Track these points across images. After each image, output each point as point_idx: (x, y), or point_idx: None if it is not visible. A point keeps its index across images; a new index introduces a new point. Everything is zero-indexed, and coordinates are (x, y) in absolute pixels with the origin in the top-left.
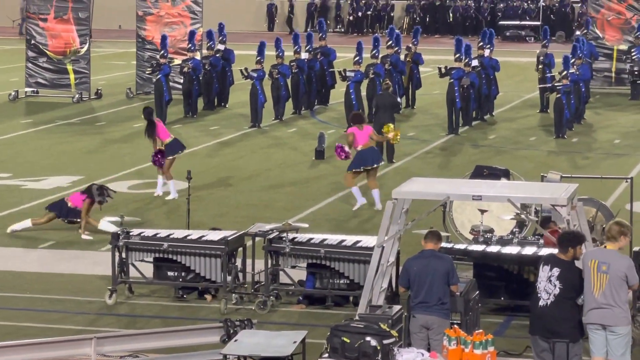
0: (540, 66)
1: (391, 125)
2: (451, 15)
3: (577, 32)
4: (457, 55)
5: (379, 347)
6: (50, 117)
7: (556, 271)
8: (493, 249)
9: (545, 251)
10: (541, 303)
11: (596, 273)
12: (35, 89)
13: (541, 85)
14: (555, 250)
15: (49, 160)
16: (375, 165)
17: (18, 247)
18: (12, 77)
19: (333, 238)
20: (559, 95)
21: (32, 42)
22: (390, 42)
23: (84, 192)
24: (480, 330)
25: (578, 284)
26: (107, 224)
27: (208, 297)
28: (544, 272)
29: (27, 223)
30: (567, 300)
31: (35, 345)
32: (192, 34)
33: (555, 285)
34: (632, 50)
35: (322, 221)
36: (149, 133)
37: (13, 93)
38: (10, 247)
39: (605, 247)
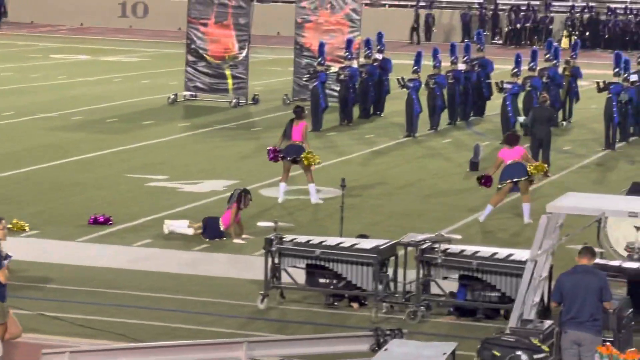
0: None
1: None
2: (611, 29)
3: None
4: (616, 70)
5: None
6: (207, 121)
7: None
8: None
9: None
10: None
11: None
12: (194, 93)
13: None
14: None
15: (205, 163)
16: (523, 179)
17: (173, 249)
18: (171, 81)
19: (485, 250)
20: None
21: (192, 46)
22: (549, 55)
23: (229, 202)
24: (634, 349)
25: None
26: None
27: (355, 305)
28: None
29: (183, 225)
30: None
31: (188, 347)
32: (349, 42)
33: None
34: None
35: (475, 233)
36: (286, 128)
37: (172, 96)
38: (165, 248)
39: None
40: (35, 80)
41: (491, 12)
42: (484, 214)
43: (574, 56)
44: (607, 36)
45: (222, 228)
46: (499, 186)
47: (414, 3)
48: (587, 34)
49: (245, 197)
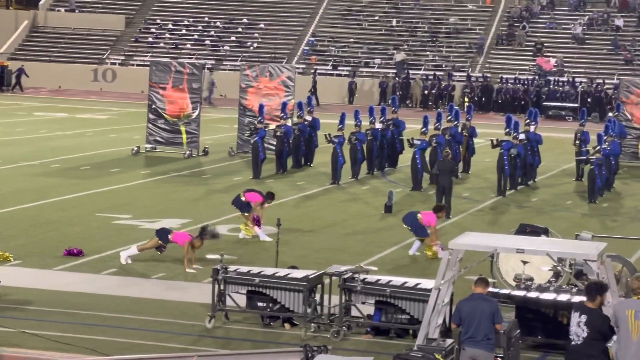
0: (577, 141)
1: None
2: (502, 95)
3: (610, 114)
4: (507, 130)
5: None
6: (165, 169)
7: (584, 318)
8: (533, 294)
9: (577, 299)
10: (572, 344)
11: (634, 321)
12: (154, 146)
13: (577, 158)
14: (584, 299)
15: (163, 205)
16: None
17: (135, 277)
18: (135, 135)
19: (397, 280)
20: (592, 167)
21: (153, 106)
22: (450, 117)
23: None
24: None
25: (605, 329)
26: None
27: (287, 325)
28: (574, 318)
29: (133, 249)
30: (594, 342)
31: None
32: (284, 104)
33: (583, 330)
34: None
35: (388, 265)
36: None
37: (135, 148)
38: (128, 276)
39: (638, 299)
40: (19, 133)
41: (403, 80)
42: (413, 249)
43: (469, 118)
44: (499, 101)
45: (171, 238)
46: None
47: (339, 72)
48: (483, 99)
49: (206, 234)
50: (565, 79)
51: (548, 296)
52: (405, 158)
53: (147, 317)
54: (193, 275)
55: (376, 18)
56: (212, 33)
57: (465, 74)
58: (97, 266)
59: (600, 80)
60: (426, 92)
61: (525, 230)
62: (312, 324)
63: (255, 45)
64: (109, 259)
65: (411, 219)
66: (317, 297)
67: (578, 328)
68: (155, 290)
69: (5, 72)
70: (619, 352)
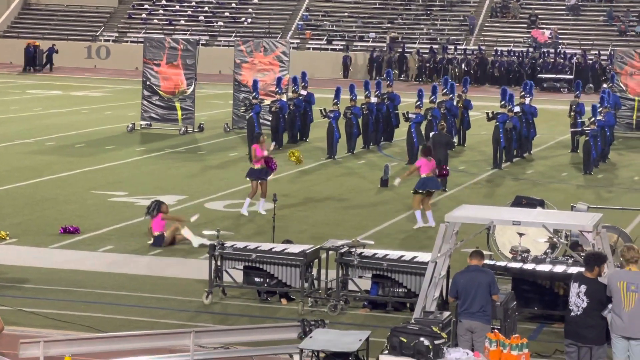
0: (572, 113)
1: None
2: (497, 68)
3: (604, 85)
4: (502, 102)
5: (431, 347)
6: (160, 146)
7: (583, 288)
8: (529, 266)
9: (573, 270)
10: (572, 314)
11: (626, 292)
12: (149, 122)
13: (572, 129)
14: (582, 269)
15: (159, 182)
16: (434, 190)
17: (132, 254)
18: (130, 112)
19: (394, 253)
20: (587, 138)
21: (148, 83)
22: (445, 90)
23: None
24: (517, 335)
25: (603, 298)
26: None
27: (283, 300)
28: (573, 288)
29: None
30: (594, 312)
31: (144, 336)
32: (279, 79)
33: (583, 300)
34: None
35: (385, 239)
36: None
37: (130, 125)
38: (125, 253)
39: (630, 269)
40: (14, 112)
41: (398, 55)
42: (419, 221)
43: (465, 91)
44: (494, 74)
45: (155, 234)
46: (418, 191)
47: (334, 47)
48: (477, 72)
49: (161, 205)
50: (559, 50)
51: (544, 268)
52: (401, 132)
53: (144, 294)
54: (190, 251)
55: None
56: (206, 9)
57: (460, 47)
58: (93, 244)
59: (595, 52)
60: (420, 64)
61: (521, 202)
62: (309, 299)
63: (249, 20)
64: (105, 236)
65: (421, 183)
66: (314, 271)
67: (578, 298)
68: (152, 267)
69: (37, 51)
70: (613, 322)
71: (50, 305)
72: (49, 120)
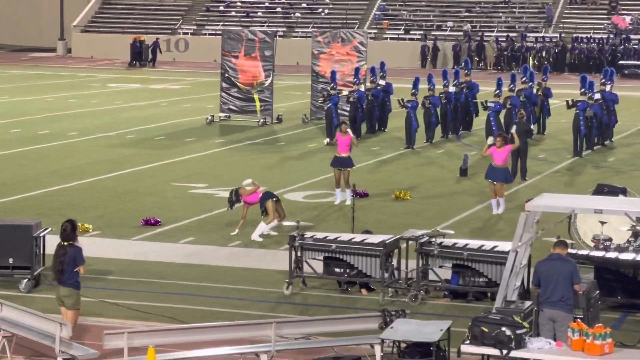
0: None
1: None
2: (577, 55)
3: None
4: (582, 90)
5: (512, 336)
6: (239, 138)
7: None
8: (612, 255)
9: None
10: None
11: None
12: (228, 114)
13: None
14: None
15: (238, 173)
16: (495, 182)
17: (213, 246)
18: (209, 104)
19: (474, 243)
20: None
21: (226, 75)
22: (525, 78)
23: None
24: (600, 324)
25: None
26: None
27: (364, 291)
28: None
29: (262, 226)
30: None
31: (225, 327)
32: (357, 69)
33: None
34: None
35: (465, 228)
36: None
37: (209, 117)
38: (206, 244)
39: None
40: (95, 105)
41: (476, 43)
42: (501, 208)
43: (545, 79)
44: (573, 61)
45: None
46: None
47: (412, 36)
48: (557, 60)
49: (238, 191)
50: None
51: (627, 256)
52: (480, 121)
53: (225, 285)
54: (271, 242)
55: None
56: (283, 0)
57: (538, 34)
58: (174, 235)
59: None
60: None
61: (602, 190)
62: (390, 289)
63: (326, 11)
64: (186, 228)
65: (491, 173)
66: (394, 261)
67: None
68: (233, 258)
69: (142, 46)
70: None
71: (132, 296)
72: (129, 113)
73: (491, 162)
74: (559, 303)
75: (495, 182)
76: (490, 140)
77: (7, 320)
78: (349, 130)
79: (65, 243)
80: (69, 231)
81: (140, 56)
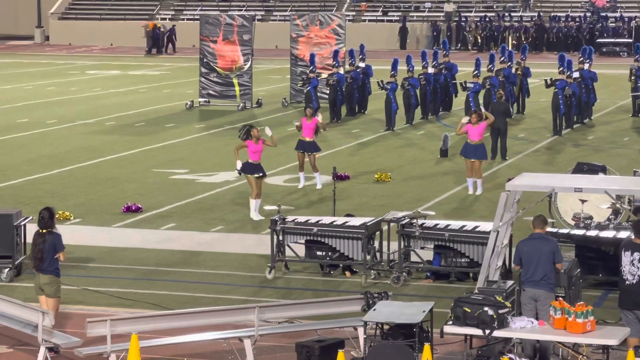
0: (632, 77)
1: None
2: (555, 34)
3: None
4: (561, 69)
5: (495, 316)
6: (219, 123)
7: (637, 255)
8: (592, 233)
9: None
10: (627, 283)
11: None
12: (207, 99)
13: (633, 94)
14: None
15: (219, 158)
16: (473, 159)
17: (194, 231)
18: (188, 90)
19: (456, 224)
20: None
21: (205, 60)
22: (503, 58)
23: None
24: (582, 302)
25: None
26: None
27: (347, 273)
28: (626, 257)
29: (252, 204)
30: None
31: (209, 312)
32: (336, 52)
33: (638, 268)
34: None
35: (446, 209)
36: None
37: (189, 103)
38: (187, 230)
39: None
40: (73, 92)
41: (455, 24)
42: (479, 189)
43: (524, 58)
44: (551, 40)
45: (251, 161)
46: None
47: (390, 18)
48: (535, 39)
49: (251, 130)
50: (618, 14)
51: (608, 234)
52: (459, 101)
53: (208, 270)
54: (252, 226)
55: None
56: None
57: (516, 14)
58: (155, 222)
59: None
60: (479, 34)
61: (582, 168)
62: (372, 271)
63: None
64: (168, 214)
65: (465, 149)
66: (376, 244)
67: (632, 267)
68: (215, 243)
69: (159, 33)
70: None
71: (115, 283)
72: (109, 100)
73: (466, 139)
74: (541, 282)
75: (473, 159)
76: (465, 119)
77: None
78: (319, 115)
79: (44, 230)
80: (47, 219)
81: (158, 43)
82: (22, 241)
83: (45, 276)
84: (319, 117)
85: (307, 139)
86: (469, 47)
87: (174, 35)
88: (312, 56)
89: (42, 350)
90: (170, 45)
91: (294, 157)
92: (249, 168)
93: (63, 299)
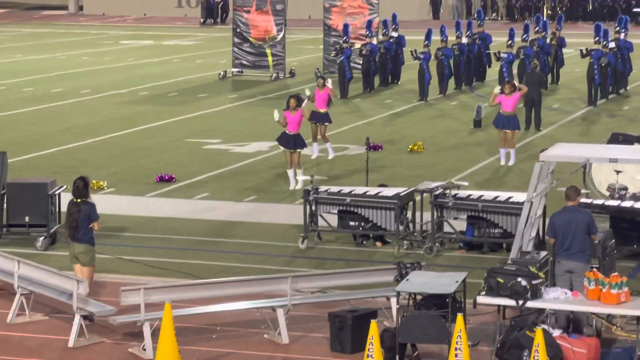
0: None
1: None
2: (591, 3)
3: None
4: (597, 39)
5: (528, 287)
6: (252, 93)
7: None
8: (627, 203)
9: None
10: None
11: None
12: (240, 70)
13: None
14: None
15: (252, 128)
16: (505, 130)
17: (227, 201)
18: (221, 60)
19: (489, 194)
20: None
21: (238, 30)
22: (538, 28)
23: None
24: (616, 273)
25: None
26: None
27: (379, 243)
28: None
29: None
30: None
31: (242, 282)
32: (369, 22)
33: None
34: None
35: (479, 179)
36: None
37: (222, 73)
38: (220, 200)
39: None
40: (107, 62)
41: None
42: (512, 160)
43: (559, 28)
44: (587, 10)
45: (289, 131)
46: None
47: None
48: (571, 8)
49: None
50: None
51: None
52: (493, 72)
53: (241, 240)
54: (286, 196)
55: None
56: None
57: None
58: (188, 192)
59: None
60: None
61: (617, 139)
62: (405, 242)
63: None
64: (200, 184)
65: (498, 120)
66: (409, 214)
67: None
68: (248, 213)
69: (213, 3)
70: None
71: (148, 253)
72: (142, 70)
73: (499, 110)
74: (577, 255)
75: (506, 130)
76: (497, 89)
77: (25, 278)
78: (328, 81)
79: (79, 200)
80: (82, 188)
81: (213, 13)
82: (57, 210)
83: (80, 245)
84: (329, 84)
85: (321, 110)
86: (501, 17)
87: (227, 4)
88: (346, 26)
89: (77, 318)
90: (224, 15)
91: (328, 127)
92: (284, 140)
93: (97, 267)
